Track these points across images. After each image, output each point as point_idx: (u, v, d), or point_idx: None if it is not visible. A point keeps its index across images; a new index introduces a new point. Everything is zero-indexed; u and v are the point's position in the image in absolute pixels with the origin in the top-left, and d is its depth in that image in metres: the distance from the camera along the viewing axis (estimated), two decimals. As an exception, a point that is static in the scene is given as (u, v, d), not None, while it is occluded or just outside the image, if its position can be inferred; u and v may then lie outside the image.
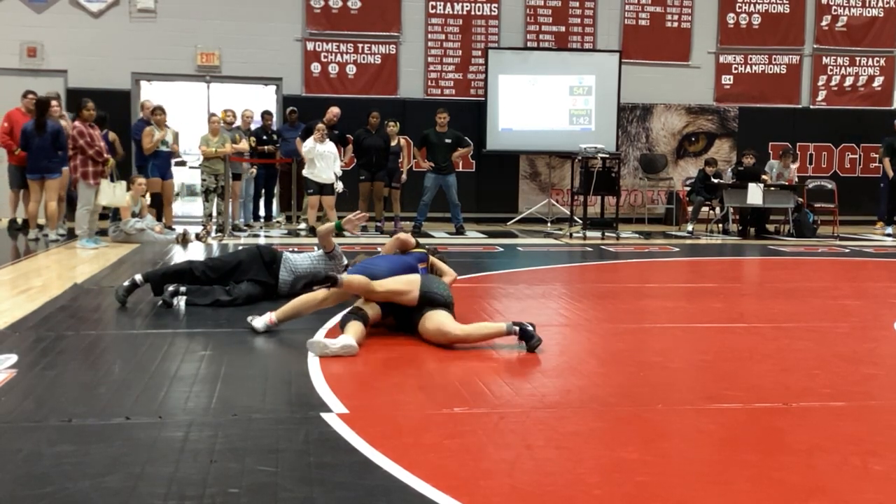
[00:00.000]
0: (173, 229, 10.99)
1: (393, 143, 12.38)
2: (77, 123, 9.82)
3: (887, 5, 15.23)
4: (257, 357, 4.85)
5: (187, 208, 15.98)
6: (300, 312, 5.34)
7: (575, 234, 12.20)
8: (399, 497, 2.79)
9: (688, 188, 14.03)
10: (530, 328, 4.91)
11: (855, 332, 5.70)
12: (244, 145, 12.03)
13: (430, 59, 14.29)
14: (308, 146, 11.42)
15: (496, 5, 14.36)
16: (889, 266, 9.78)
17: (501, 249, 10.60)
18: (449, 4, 14.27)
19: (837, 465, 3.15)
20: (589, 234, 11.98)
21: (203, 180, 11.86)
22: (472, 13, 14.35)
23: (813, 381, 4.38)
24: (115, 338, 5.21)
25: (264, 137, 12.78)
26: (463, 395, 4.00)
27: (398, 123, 12.52)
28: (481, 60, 14.22)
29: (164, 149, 11.39)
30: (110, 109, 11.52)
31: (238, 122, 12.49)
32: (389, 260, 5.52)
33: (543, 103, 14.06)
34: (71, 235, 10.52)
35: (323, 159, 11.45)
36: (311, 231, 11.52)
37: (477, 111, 14.07)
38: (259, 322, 5.28)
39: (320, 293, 5.28)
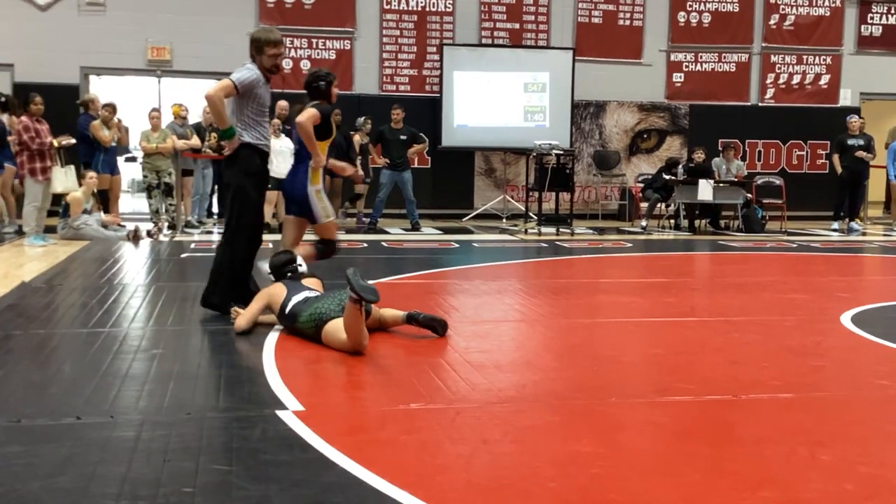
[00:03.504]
0: (122, 226, 10.83)
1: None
2: (23, 118, 9.63)
3: (833, 5, 15.54)
4: (211, 355, 4.80)
5: (137, 205, 15.73)
6: None
7: (530, 230, 12.27)
8: (355, 493, 2.79)
9: (640, 185, 14.20)
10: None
11: (802, 326, 5.82)
12: (195, 141, 11.89)
13: (385, 55, 14.25)
14: None
15: (451, 2, 14.36)
16: (835, 260, 10.00)
17: (457, 245, 10.62)
18: (404, 0, 14.24)
19: (786, 455, 3.22)
20: (544, 229, 12.05)
21: (144, 177, 11.70)
22: (427, 9, 14.33)
23: (762, 373, 4.46)
24: (65, 336, 5.12)
25: (219, 133, 12.63)
26: (419, 390, 4.01)
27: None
28: (436, 57, 14.21)
29: (112, 144, 11.23)
30: (59, 104, 11.31)
31: (200, 118, 12.36)
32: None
33: (498, 100, 14.11)
34: (19, 232, 10.30)
35: (279, 154, 11.38)
36: (268, 228, 11.43)
37: (432, 107, 14.07)
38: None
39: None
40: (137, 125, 14.09)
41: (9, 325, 5.32)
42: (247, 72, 5.64)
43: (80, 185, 10.38)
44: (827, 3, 15.52)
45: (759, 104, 15.52)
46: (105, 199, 11.30)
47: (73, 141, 10.55)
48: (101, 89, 13.35)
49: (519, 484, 2.89)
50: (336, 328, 4.67)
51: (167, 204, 11.91)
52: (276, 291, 5.22)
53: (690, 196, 12.63)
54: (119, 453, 3.10)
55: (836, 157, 13.33)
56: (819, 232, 13.10)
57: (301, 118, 5.80)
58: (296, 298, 5.05)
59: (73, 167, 10.22)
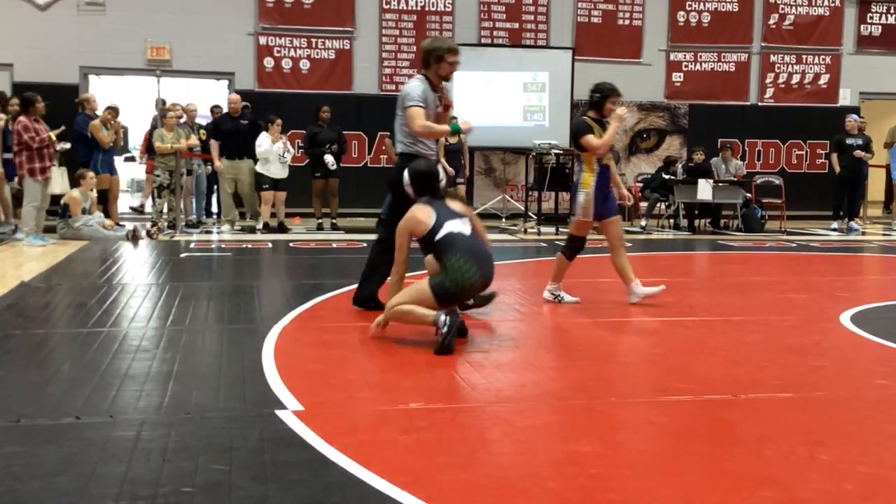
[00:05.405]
0: (122, 226, 10.83)
1: (454, 141, 12.11)
2: (22, 118, 9.63)
3: (833, 4, 15.54)
4: (210, 354, 4.80)
5: (136, 204, 15.72)
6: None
7: (529, 230, 12.27)
8: (354, 493, 2.79)
9: (640, 185, 14.20)
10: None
11: (802, 325, 5.82)
12: (190, 141, 11.89)
13: (384, 55, 14.24)
14: (265, 145, 11.40)
15: (450, 1, 14.36)
16: (834, 260, 10.00)
17: (456, 245, 10.60)
18: (403, 0, 14.24)
19: (785, 455, 3.22)
20: (543, 229, 12.05)
21: (157, 176, 11.71)
22: (427, 8, 14.33)
23: (761, 373, 4.46)
24: (65, 336, 5.12)
25: (216, 132, 12.60)
26: (419, 390, 4.01)
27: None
28: (436, 56, 14.19)
29: (110, 145, 11.25)
30: (58, 104, 11.31)
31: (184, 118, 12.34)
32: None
33: (498, 99, 14.09)
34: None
35: (273, 157, 11.45)
36: (267, 227, 11.45)
37: (431, 107, 14.05)
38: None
39: None
40: (137, 126, 14.12)
41: (8, 324, 5.32)
42: (416, 88, 5.55)
43: (78, 185, 10.38)
44: (826, 3, 15.52)
45: (759, 104, 15.52)
46: (104, 200, 11.31)
47: (68, 145, 10.55)
48: (100, 89, 13.36)
49: (518, 484, 2.89)
50: (423, 295, 4.77)
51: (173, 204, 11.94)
52: (421, 216, 4.88)
53: (690, 196, 12.63)
54: (118, 453, 3.10)
55: (834, 157, 13.35)
56: (818, 231, 13.10)
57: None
58: (449, 225, 4.85)
59: (64, 169, 10.24)
